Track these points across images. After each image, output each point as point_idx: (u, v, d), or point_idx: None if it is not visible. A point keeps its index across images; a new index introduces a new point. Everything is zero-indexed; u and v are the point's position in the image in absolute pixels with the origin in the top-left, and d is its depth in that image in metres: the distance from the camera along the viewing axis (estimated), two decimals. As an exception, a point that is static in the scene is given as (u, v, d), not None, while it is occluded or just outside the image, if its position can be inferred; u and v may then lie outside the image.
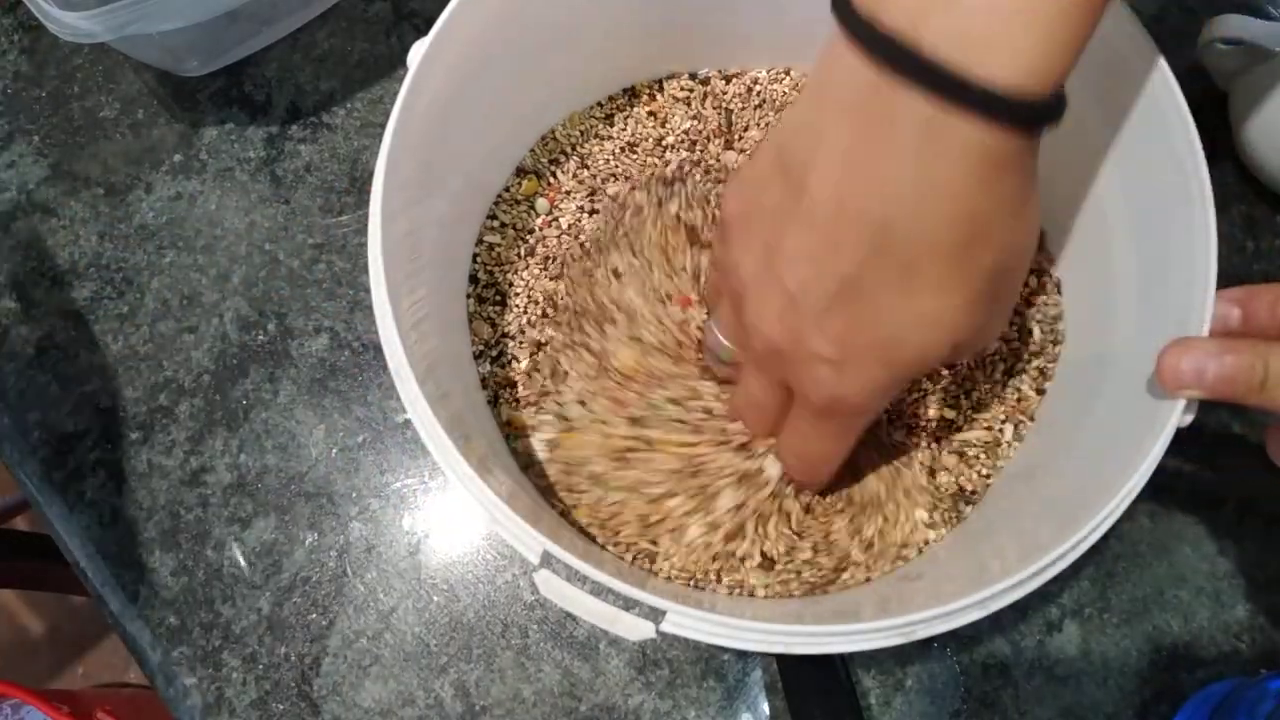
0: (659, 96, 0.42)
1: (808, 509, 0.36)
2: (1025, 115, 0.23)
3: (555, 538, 0.27)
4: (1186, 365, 0.28)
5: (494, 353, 0.38)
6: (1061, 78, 0.23)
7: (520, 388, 0.38)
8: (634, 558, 0.35)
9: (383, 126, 0.31)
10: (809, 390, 0.28)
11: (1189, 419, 0.29)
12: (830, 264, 0.25)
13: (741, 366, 0.32)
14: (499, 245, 0.39)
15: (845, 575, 0.35)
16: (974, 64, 0.22)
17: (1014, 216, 0.25)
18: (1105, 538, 0.28)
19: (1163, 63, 0.31)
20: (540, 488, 0.36)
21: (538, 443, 0.37)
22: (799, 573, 0.35)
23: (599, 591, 0.26)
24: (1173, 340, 0.28)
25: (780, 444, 0.32)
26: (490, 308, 0.39)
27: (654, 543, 0.35)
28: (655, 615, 0.26)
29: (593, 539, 0.35)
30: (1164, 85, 0.31)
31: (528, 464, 0.36)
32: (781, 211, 0.26)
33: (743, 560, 0.35)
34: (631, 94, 0.42)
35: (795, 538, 0.35)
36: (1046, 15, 0.22)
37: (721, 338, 0.32)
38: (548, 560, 0.26)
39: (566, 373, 0.37)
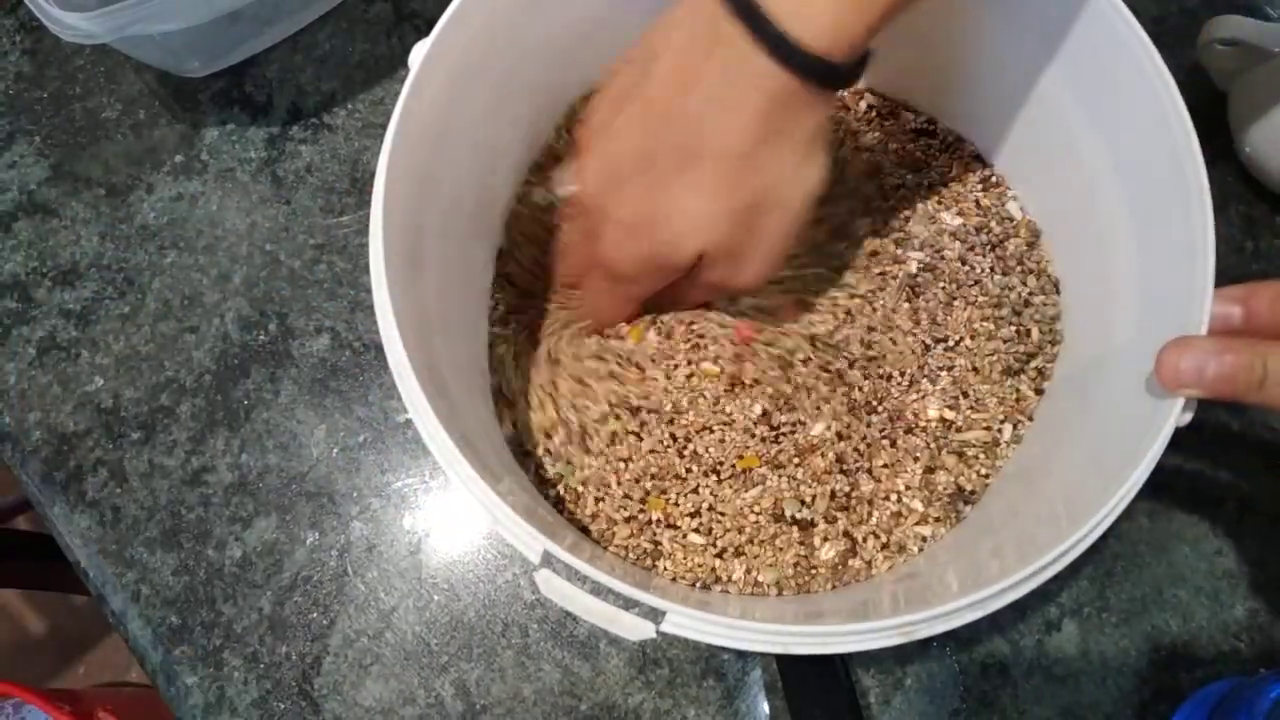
0: None
1: (807, 504, 0.36)
2: (814, 70, 0.28)
3: (555, 537, 0.27)
4: (1185, 364, 0.28)
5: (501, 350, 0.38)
6: (851, 45, 0.28)
7: (526, 387, 0.38)
8: (635, 557, 0.35)
9: (384, 127, 0.31)
10: (601, 245, 0.33)
11: (1188, 418, 0.29)
12: (643, 140, 0.30)
13: (564, 217, 0.37)
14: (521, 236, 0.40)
15: (845, 575, 0.35)
16: (783, 15, 0.27)
17: (791, 163, 0.30)
18: (1104, 537, 0.28)
19: (1162, 63, 0.31)
20: (542, 486, 0.36)
21: (540, 440, 0.37)
22: (800, 568, 0.35)
23: (599, 591, 0.26)
24: (1172, 339, 0.29)
25: (582, 293, 0.37)
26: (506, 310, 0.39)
27: (655, 542, 0.35)
28: (655, 615, 0.26)
29: (594, 538, 0.36)
30: (1164, 85, 0.31)
31: (530, 462, 0.36)
32: (628, 87, 0.31)
33: (739, 555, 0.35)
34: None
35: (797, 532, 0.36)
36: None
37: (563, 182, 0.37)
38: (548, 560, 0.26)
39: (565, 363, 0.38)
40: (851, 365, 0.38)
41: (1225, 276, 0.30)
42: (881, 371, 0.38)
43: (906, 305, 0.39)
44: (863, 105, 0.44)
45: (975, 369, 0.38)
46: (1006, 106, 0.40)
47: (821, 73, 0.28)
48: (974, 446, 0.37)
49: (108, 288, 0.44)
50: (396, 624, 0.39)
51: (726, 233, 0.31)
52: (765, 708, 0.38)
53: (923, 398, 0.38)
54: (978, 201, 0.41)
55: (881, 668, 0.38)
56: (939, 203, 0.41)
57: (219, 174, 0.45)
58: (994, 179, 0.42)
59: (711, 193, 0.30)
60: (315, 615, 0.39)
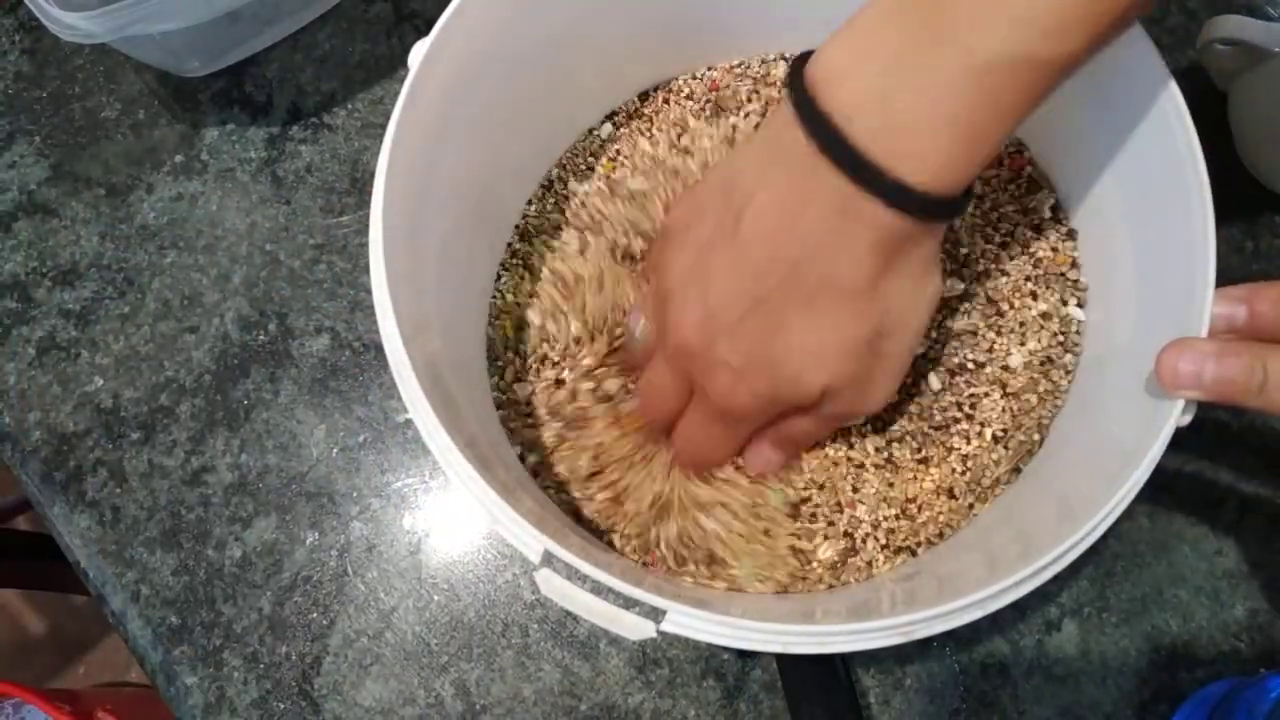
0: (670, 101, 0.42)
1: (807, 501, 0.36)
2: (928, 209, 0.27)
3: (555, 536, 0.27)
4: (1185, 366, 0.28)
5: (502, 349, 0.38)
6: (964, 181, 0.27)
7: (529, 389, 0.38)
8: (637, 552, 0.35)
9: (383, 127, 0.31)
10: (710, 389, 0.32)
11: (1188, 419, 0.29)
12: (749, 287, 0.30)
13: (653, 356, 0.35)
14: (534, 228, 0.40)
15: (844, 574, 0.35)
16: (890, 161, 0.26)
17: (909, 289, 0.30)
18: (1104, 537, 0.28)
19: (1162, 63, 0.31)
20: (544, 485, 0.36)
21: (543, 438, 0.37)
22: (798, 568, 0.35)
23: (600, 591, 0.26)
24: (1171, 341, 0.29)
25: (677, 431, 0.36)
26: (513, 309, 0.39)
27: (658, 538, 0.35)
28: (655, 615, 0.26)
29: (597, 532, 0.36)
30: (1164, 85, 0.31)
31: (530, 461, 0.36)
32: (718, 233, 0.30)
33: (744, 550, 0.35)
34: (641, 99, 0.42)
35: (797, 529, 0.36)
36: (954, 133, 0.26)
37: (641, 324, 0.36)
38: (549, 559, 0.26)
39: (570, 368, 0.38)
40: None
41: (1225, 276, 0.29)
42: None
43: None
44: None
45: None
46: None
47: (934, 209, 0.27)
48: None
49: (108, 288, 0.44)
50: (396, 624, 0.39)
51: (853, 365, 0.30)
52: (765, 708, 0.38)
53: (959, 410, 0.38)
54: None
55: (881, 668, 0.38)
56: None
57: (219, 174, 0.45)
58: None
59: (834, 329, 0.29)
60: (315, 615, 0.39)
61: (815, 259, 0.28)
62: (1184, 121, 0.31)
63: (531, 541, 0.27)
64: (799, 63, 0.28)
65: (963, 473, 0.36)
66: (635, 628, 0.26)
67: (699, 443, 0.35)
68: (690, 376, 0.33)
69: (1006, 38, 0.25)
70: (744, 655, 0.38)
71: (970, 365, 0.37)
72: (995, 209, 0.40)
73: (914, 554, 0.36)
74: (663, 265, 0.33)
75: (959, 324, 0.38)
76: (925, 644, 0.38)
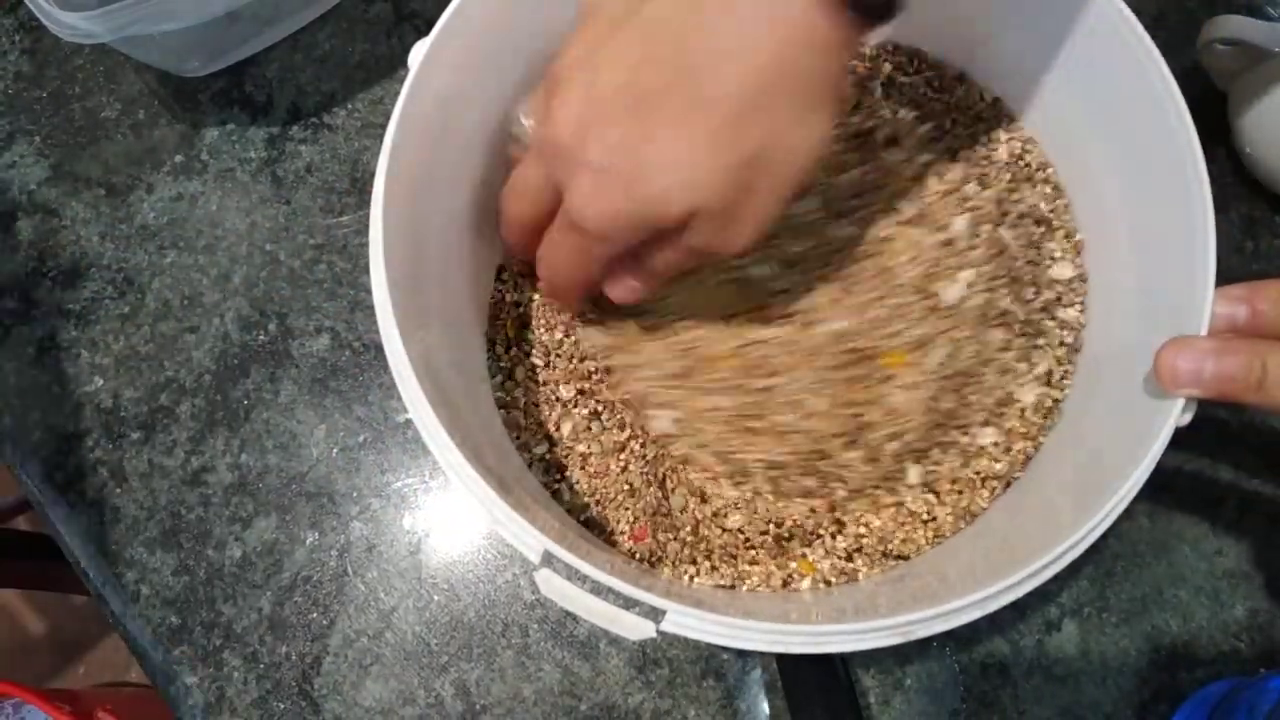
0: None
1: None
2: (860, 4, 0.25)
3: (555, 535, 0.27)
4: (1184, 364, 0.28)
5: (503, 349, 0.38)
6: None
7: (531, 390, 0.38)
8: (638, 556, 0.35)
9: (383, 127, 0.31)
10: (571, 193, 0.29)
11: (1188, 418, 0.29)
12: (632, 80, 0.27)
13: (526, 157, 0.32)
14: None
15: (843, 577, 0.35)
16: None
17: (800, 111, 0.27)
18: (1104, 537, 0.28)
19: (1162, 63, 0.31)
20: (545, 484, 0.36)
21: (544, 435, 0.37)
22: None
23: (600, 591, 0.26)
24: (1170, 340, 0.29)
25: (539, 250, 0.33)
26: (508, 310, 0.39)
27: (672, 532, 0.36)
28: (655, 615, 0.26)
29: (599, 531, 0.36)
30: (1164, 85, 0.31)
31: (531, 459, 0.37)
32: (619, 17, 0.27)
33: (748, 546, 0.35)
34: None
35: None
36: None
37: (526, 117, 0.33)
38: (548, 559, 0.26)
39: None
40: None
41: (1225, 277, 0.30)
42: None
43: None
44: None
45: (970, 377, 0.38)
46: (1017, 106, 0.40)
47: (854, 5, 0.25)
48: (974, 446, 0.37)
49: (108, 288, 0.44)
50: (396, 624, 0.39)
51: (721, 189, 0.27)
52: (765, 708, 0.38)
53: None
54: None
55: (881, 668, 0.38)
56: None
57: (219, 174, 0.45)
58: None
59: (709, 143, 0.26)
60: (315, 615, 0.39)
61: (710, 55, 0.26)
62: (1184, 121, 0.31)
63: (531, 541, 0.27)
64: None
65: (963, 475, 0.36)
66: (635, 628, 0.26)
67: (557, 260, 0.32)
68: (556, 179, 0.30)
69: None
70: (744, 655, 0.38)
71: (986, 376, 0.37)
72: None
73: (907, 559, 0.36)
74: (562, 49, 0.29)
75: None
76: (925, 644, 0.38)
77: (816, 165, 0.28)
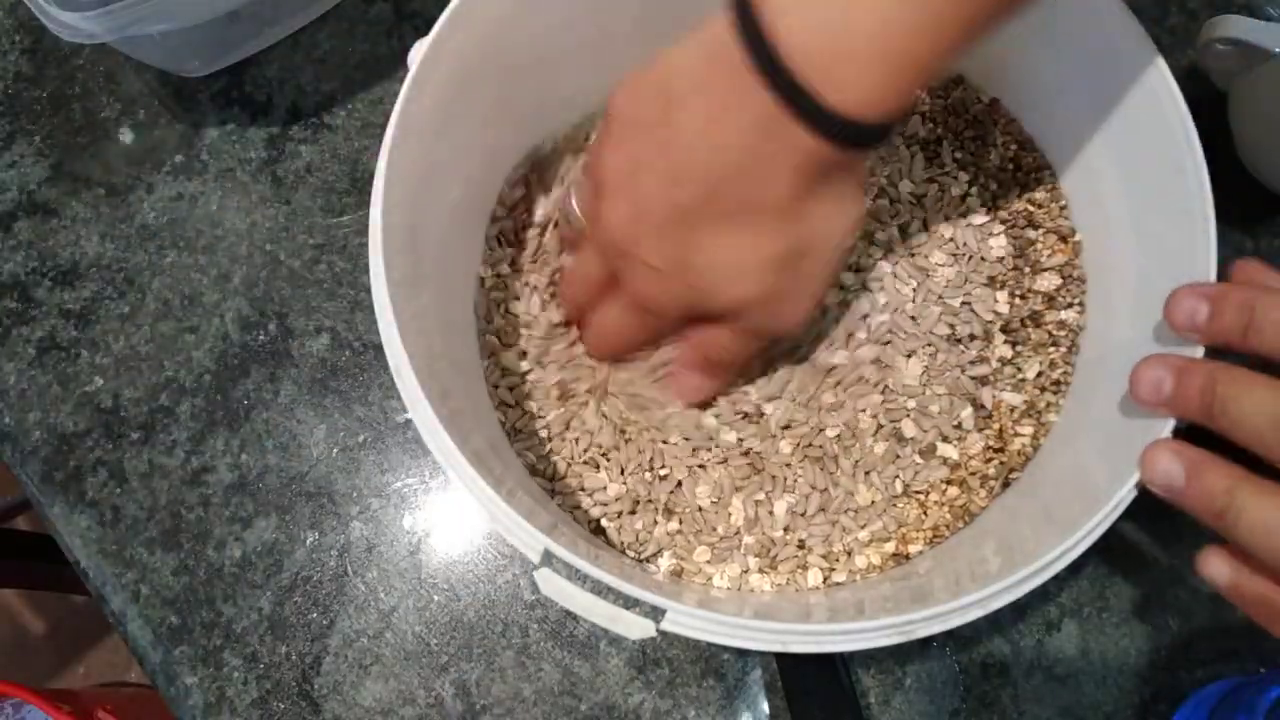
0: None
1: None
2: (851, 136, 0.27)
3: (554, 534, 0.27)
4: (1149, 374, 0.29)
5: (501, 345, 0.38)
6: (891, 111, 0.27)
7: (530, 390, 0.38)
8: (635, 555, 0.35)
9: (383, 127, 0.31)
10: (631, 283, 0.32)
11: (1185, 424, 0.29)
12: (673, 193, 0.29)
13: (584, 244, 0.35)
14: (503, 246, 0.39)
15: (846, 576, 0.35)
16: (817, 83, 0.25)
17: (830, 212, 0.30)
18: (1105, 537, 0.28)
19: (1162, 63, 0.31)
20: (543, 484, 0.36)
21: (542, 432, 0.37)
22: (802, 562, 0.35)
23: (600, 591, 0.26)
24: (1151, 355, 0.29)
25: (593, 316, 0.36)
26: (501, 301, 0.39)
27: (669, 533, 0.36)
28: (656, 614, 0.26)
29: (597, 528, 0.36)
30: (1164, 85, 0.31)
31: (531, 458, 0.37)
32: (653, 130, 0.30)
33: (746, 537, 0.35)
34: None
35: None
36: (886, 61, 0.25)
37: (577, 208, 0.35)
38: (548, 559, 0.26)
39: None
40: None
41: (1225, 276, 0.29)
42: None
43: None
44: None
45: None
46: (1018, 111, 0.40)
47: (858, 137, 0.27)
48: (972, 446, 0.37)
49: (108, 288, 0.44)
50: (396, 624, 0.39)
51: (769, 281, 0.30)
52: (765, 708, 0.38)
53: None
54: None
55: (881, 668, 0.38)
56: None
57: (219, 174, 0.45)
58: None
59: (752, 246, 0.29)
60: (315, 615, 0.39)
61: (738, 176, 0.28)
62: (1184, 122, 0.31)
63: (531, 541, 0.27)
64: None
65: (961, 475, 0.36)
66: (636, 627, 0.26)
67: (612, 328, 0.35)
68: (615, 268, 0.33)
69: None
70: (744, 655, 0.38)
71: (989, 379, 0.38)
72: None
73: (908, 559, 0.36)
74: (600, 156, 0.32)
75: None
76: (925, 644, 0.38)
77: (854, 242, 0.31)
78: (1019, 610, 0.39)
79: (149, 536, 0.40)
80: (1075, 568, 0.39)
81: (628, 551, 0.36)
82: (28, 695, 0.66)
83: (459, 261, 0.37)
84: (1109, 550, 0.39)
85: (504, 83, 0.36)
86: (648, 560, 0.36)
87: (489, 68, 0.35)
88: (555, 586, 0.26)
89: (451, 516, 0.40)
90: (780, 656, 0.38)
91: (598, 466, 0.37)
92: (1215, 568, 0.28)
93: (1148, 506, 0.39)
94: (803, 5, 0.25)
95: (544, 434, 0.37)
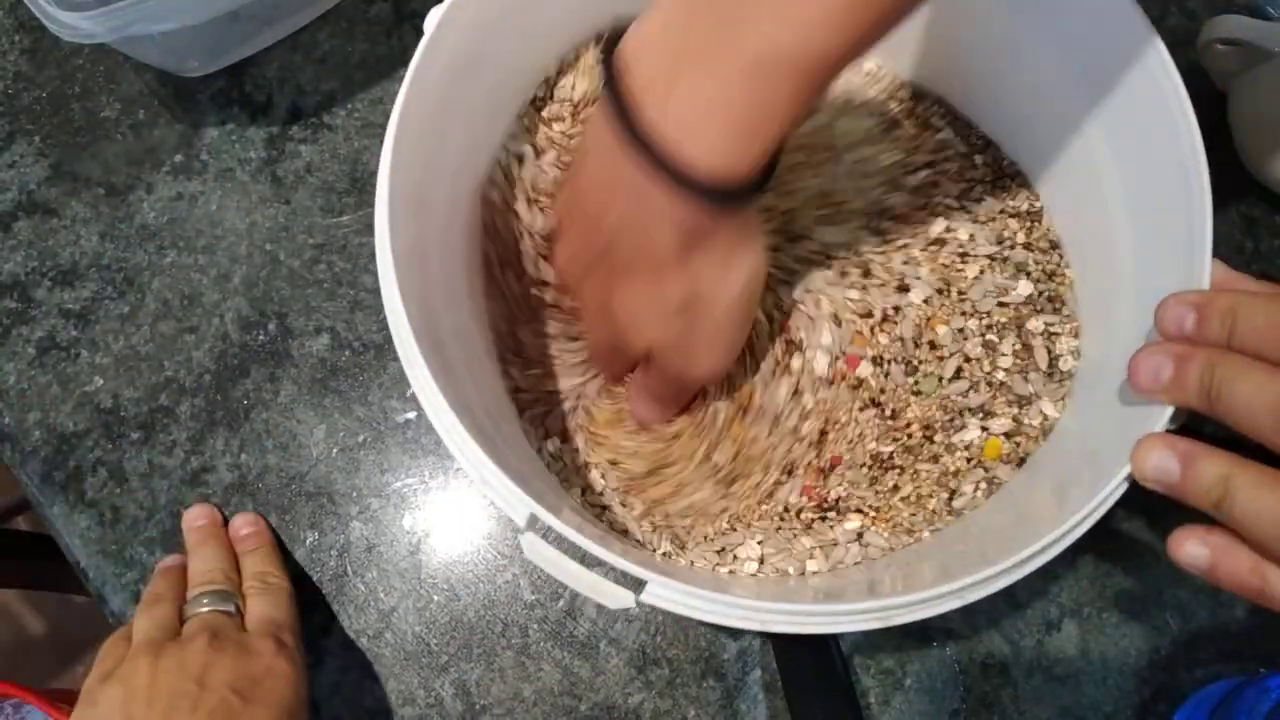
0: None
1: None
2: (715, 198, 0.27)
3: (543, 501, 0.26)
4: (1147, 364, 0.29)
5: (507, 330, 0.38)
6: (746, 173, 0.27)
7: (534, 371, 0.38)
8: (654, 528, 0.36)
9: (383, 127, 0.31)
10: (579, 317, 0.37)
11: (1184, 417, 0.29)
12: (584, 250, 0.32)
13: (582, 318, 0.37)
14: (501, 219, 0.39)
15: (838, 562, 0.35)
16: (675, 147, 0.26)
17: (717, 265, 0.30)
18: (1104, 537, 0.28)
19: (1168, 61, 0.31)
20: (550, 465, 0.36)
21: (551, 422, 0.37)
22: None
23: (588, 562, 0.26)
24: (1148, 343, 0.29)
25: (634, 389, 0.37)
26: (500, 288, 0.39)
27: (681, 514, 0.36)
28: (637, 586, 0.26)
29: (597, 499, 0.36)
30: (1171, 86, 0.31)
31: (540, 445, 0.37)
32: (577, 179, 0.32)
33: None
34: None
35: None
36: (729, 126, 0.26)
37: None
38: (533, 523, 0.26)
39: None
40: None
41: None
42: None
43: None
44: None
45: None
46: (1021, 106, 0.40)
47: (720, 198, 0.27)
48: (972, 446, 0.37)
49: (107, 288, 0.44)
50: (396, 624, 0.39)
51: (670, 329, 0.32)
52: (765, 708, 0.38)
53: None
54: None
55: (881, 667, 0.38)
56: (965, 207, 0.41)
57: (219, 174, 0.45)
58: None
59: (647, 296, 0.31)
60: (315, 615, 0.39)
61: (631, 230, 0.29)
62: (1186, 122, 0.31)
63: (518, 504, 0.26)
64: (621, 34, 0.28)
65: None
66: (616, 597, 0.26)
67: (589, 353, 0.38)
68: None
69: (769, 35, 0.24)
70: (744, 656, 0.38)
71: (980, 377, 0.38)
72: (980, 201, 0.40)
73: (894, 550, 0.36)
74: (557, 195, 0.37)
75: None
76: (925, 644, 0.38)
77: (755, 301, 0.33)
78: (1019, 610, 0.39)
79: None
80: (1075, 567, 0.39)
81: (630, 528, 0.36)
82: (28, 695, 0.66)
83: (461, 257, 0.37)
84: (1109, 550, 0.39)
85: (517, 51, 0.36)
86: (647, 536, 0.36)
87: (504, 30, 0.35)
88: (539, 552, 0.27)
89: (451, 516, 0.40)
90: (779, 655, 0.38)
91: (601, 444, 0.37)
92: (1192, 551, 0.28)
93: (1148, 506, 0.39)
94: (657, 66, 0.26)
95: (553, 417, 0.37)
